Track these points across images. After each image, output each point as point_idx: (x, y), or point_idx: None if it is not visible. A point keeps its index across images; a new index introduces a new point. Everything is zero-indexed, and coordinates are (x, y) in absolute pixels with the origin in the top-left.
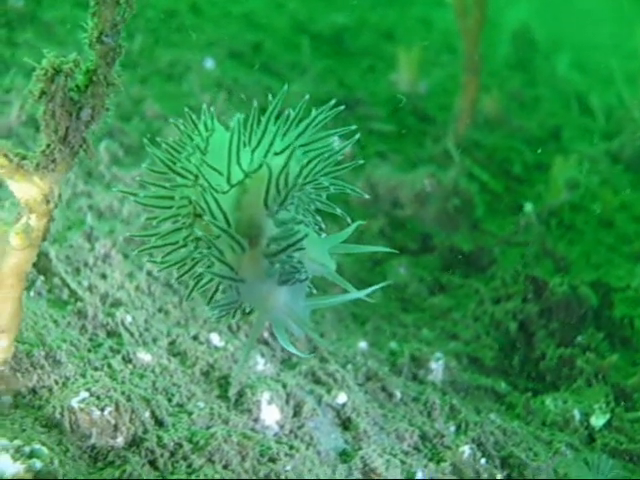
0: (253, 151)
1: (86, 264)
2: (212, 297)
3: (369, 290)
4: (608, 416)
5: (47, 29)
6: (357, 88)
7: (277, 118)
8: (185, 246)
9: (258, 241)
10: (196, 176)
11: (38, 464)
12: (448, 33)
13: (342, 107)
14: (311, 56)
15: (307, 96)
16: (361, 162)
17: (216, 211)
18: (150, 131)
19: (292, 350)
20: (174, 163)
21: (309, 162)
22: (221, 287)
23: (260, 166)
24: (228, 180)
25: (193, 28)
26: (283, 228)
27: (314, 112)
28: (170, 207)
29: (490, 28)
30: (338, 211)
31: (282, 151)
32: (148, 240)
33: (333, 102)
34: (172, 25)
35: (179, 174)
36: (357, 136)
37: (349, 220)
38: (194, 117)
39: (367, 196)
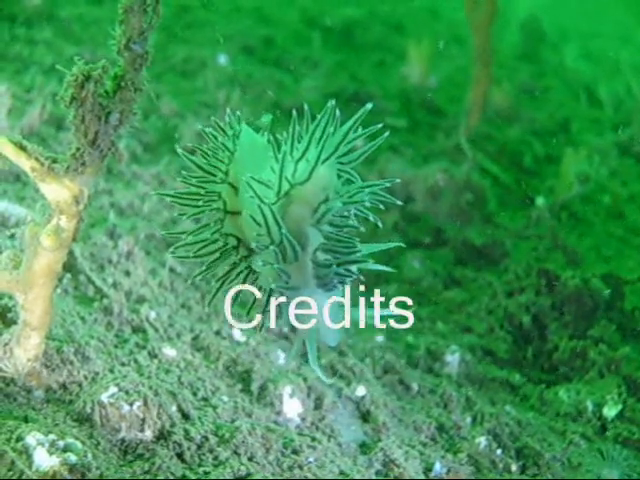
0: (297, 162)
1: (110, 261)
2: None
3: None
4: (620, 407)
5: (64, 27)
6: (368, 82)
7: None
8: (215, 242)
9: (305, 249)
10: (226, 173)
11: (73, 458)
12: (456, 24)
13: (370, 105)
14: (322, 50)
15: (333, 101)
16: (398, 180)
17: (272, 222)
18: (167, 129)
19: (318, 372)
20: (206, 163)
21: (355, 190)
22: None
23: (308, 179)
24: (278, 193)
25: (205, 24)
26: (342, 244)
27: (351, 121)
28: (199, 203)
29: (498, 19)
30: (371, 217)
31: (325, 160)
32: (177, 238)
33: (370, 105)
34: (185, 21)
35: (211, 174)
36: (386, 134)
37: (380, 224)
38: (221, 124)
39: (399, 202)
